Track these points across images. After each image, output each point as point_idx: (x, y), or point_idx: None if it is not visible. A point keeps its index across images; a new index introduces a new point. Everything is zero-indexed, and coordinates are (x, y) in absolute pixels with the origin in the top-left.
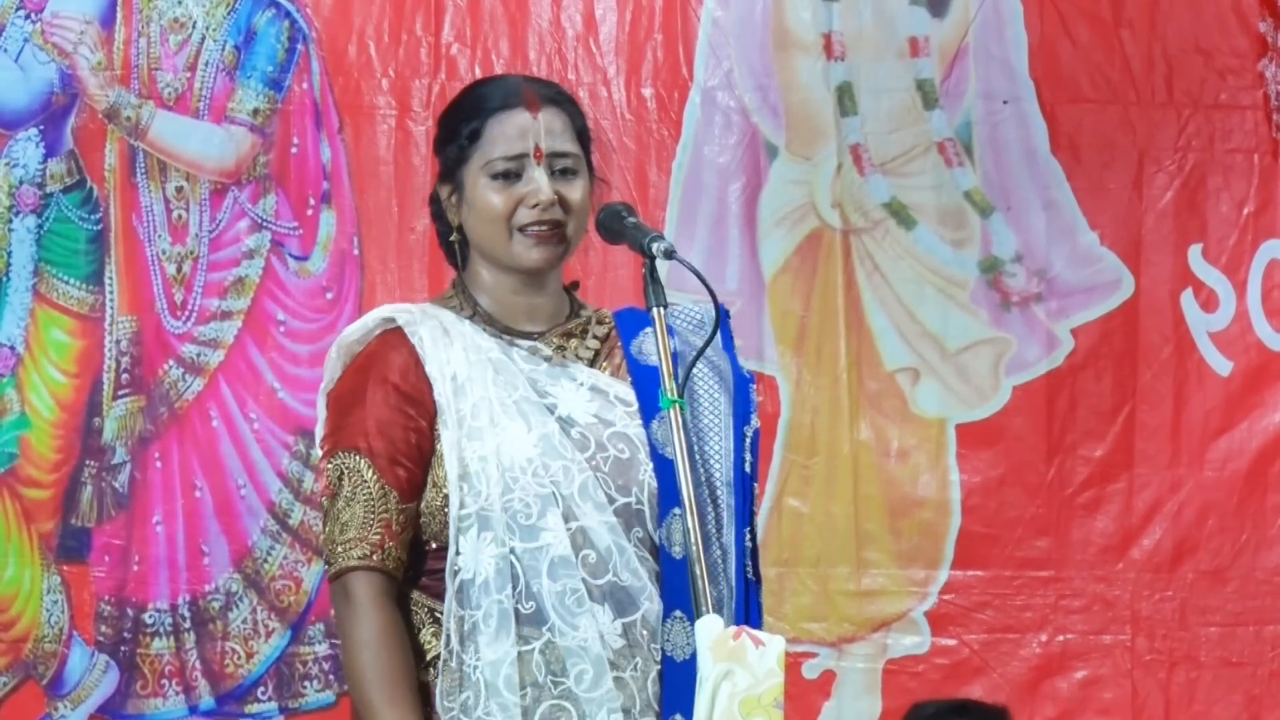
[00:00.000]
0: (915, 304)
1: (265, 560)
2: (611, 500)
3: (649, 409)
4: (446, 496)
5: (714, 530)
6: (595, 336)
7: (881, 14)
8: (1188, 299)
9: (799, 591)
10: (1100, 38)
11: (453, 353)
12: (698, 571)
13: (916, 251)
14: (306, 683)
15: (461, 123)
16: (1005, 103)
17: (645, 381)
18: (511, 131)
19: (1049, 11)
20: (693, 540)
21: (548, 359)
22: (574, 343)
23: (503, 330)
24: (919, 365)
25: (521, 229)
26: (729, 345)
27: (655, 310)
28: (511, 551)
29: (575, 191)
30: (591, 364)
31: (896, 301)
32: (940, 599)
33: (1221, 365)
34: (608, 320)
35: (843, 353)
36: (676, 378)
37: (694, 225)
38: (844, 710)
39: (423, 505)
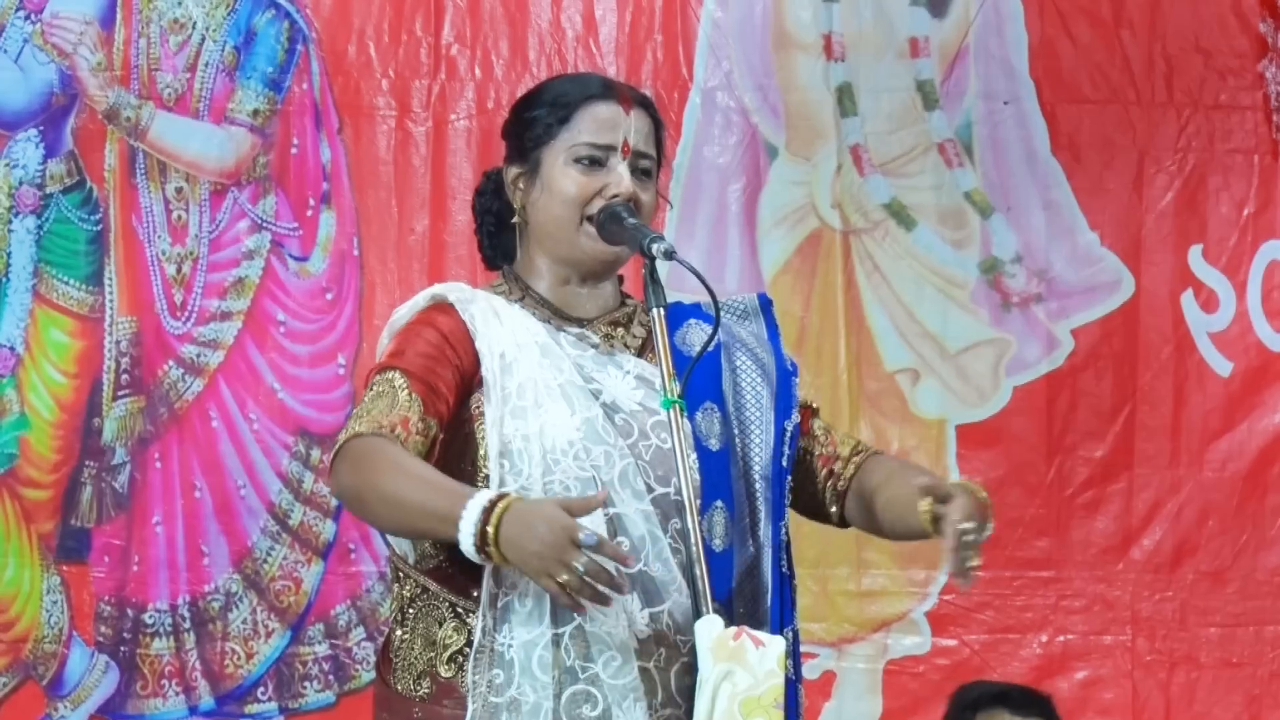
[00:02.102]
0: (915, 304)
1: (265, 560)
2: (650, 489)
3: (692, 399)
4: (486, 478)
5: (750, 524)
6: (641, 325)
7: (882, 14)
8: (1188, 299)
9: (799, 592)
10: (1100, 38)
11: (502, 332)
12: (698, 573)
13: (916, 252)
14: (306, 683)
15: (549, 104)
16: (1005, 103)
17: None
18: (604, 121)
19: (1049, 11)
20: (693, 541)
21: (595, 346)
22: (620, 331)
23: (553, 314)
24: (919, 366)
25: (591, 218)
26: (774, 336)
27: (655, 311)
28: None
29: (648, 194)
30: (639, 354)
31: (896, 302)
32: (940, 599)
33: (1221, 366)
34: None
35: (843, 353)
36: (679, 376)
37: (694, 226)
38: (844, 710)
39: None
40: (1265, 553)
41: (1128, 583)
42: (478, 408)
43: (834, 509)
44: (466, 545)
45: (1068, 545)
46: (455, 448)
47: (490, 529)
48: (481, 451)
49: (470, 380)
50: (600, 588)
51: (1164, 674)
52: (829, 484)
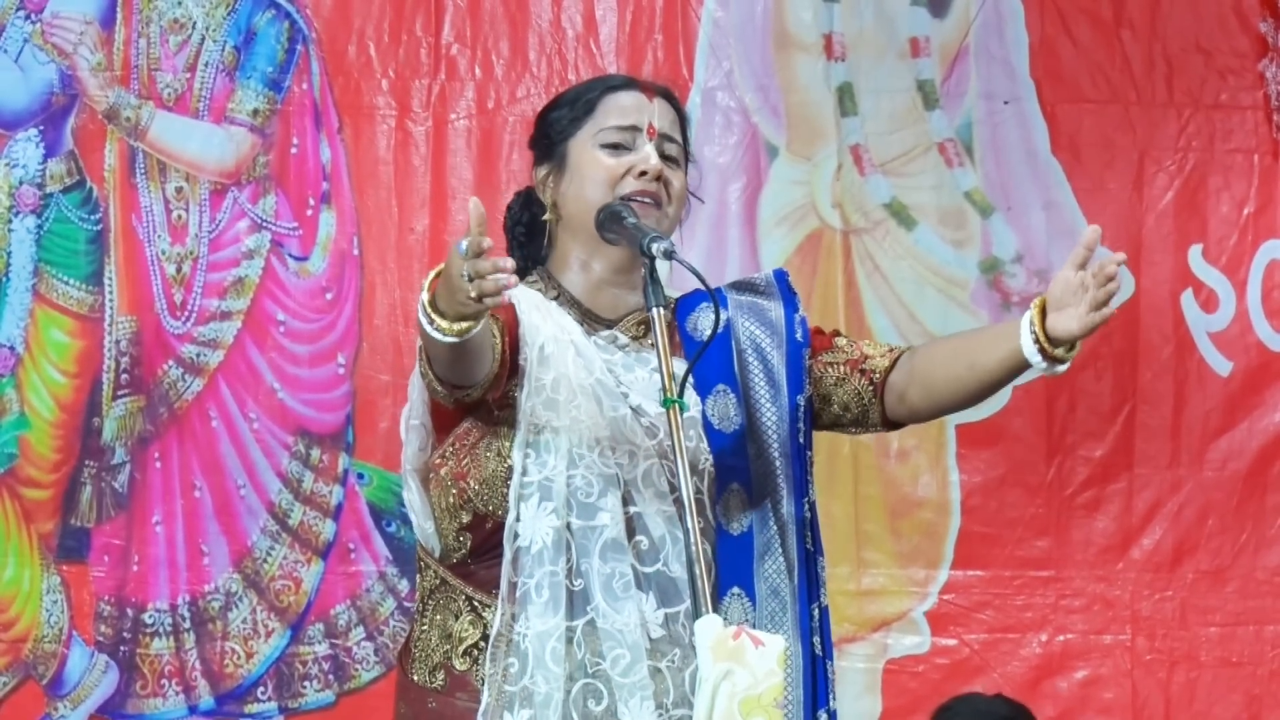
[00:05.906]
0: (915, 304)
1: (265, 560)
2: (673, 489)
3: (705, 382)
4: (510, 468)
5: (772, 503)
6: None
7: (882, 14)
8: (1188, 299)
9: None
10: (1101, 38)
11: (545, 325)
12: (697, 571)
13: (917, 252)
14: (306, 683)
15: (571, 102)
16: (1006, 103)
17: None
18: (627, 106)
19: (1049, 11)
20: (693, 539)
21: (623, 348)
22: (644, 329)
23: (585, 314)
24: None
25: (625, 198)
26: (790, 309)
27: (654, 311)
28: (568, 526)
29: (677, 179)
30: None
31: (897, 302)
32: (940, 599)
33: (1221, 365)
34: (671, 304)
35: None
36: (680, 375)
37: (694, 225)
38: (844, 710)
39: (487, 473)
40: (1265, 552)
41: (1128, 582)
42: (512, 395)
43: (875, 411)
44: (426, 325)
45: (1068, 545)
46: (487, 438)
47: (425, 294)
48: (508, 445)
49: (508, 360)
50: (488, 280)
51: (1164, 673)
52: (863, 382)
